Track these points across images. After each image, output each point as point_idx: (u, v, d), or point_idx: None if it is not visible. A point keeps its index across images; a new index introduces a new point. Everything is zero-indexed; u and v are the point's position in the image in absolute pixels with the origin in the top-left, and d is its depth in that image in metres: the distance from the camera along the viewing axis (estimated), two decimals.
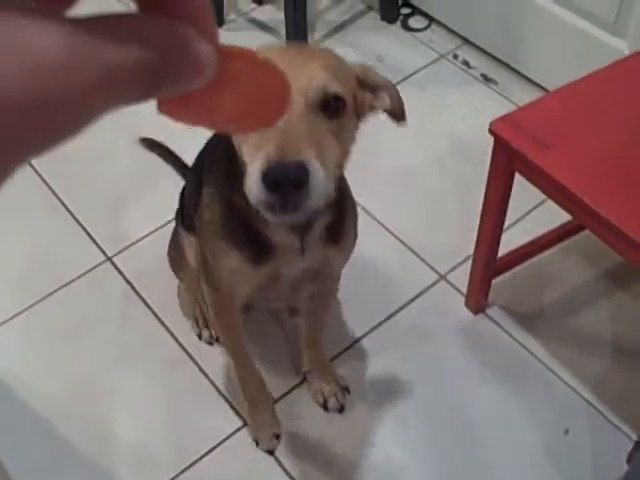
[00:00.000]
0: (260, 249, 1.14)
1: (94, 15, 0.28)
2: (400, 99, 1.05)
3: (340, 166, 0.97)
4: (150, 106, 0.33)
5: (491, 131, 1.33)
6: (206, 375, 1.65)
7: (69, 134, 0.27)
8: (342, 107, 0.93)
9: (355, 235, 1.29)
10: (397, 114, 1.06)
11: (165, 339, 1.71)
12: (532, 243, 1.69)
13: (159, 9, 0.30)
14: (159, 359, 1.67)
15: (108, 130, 2.06)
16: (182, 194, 1.54)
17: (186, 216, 1.47)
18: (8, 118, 0.25)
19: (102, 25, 0.27)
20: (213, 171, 1.18)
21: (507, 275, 1.72)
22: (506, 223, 1.54)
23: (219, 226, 1.16)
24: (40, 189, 2.00)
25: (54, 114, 0.26)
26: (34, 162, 2.04)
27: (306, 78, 0.90)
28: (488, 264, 1.59)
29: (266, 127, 0.39)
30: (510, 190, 1.42)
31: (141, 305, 1.77)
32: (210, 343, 1.71)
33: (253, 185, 0.85)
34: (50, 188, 2.00)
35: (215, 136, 1.25)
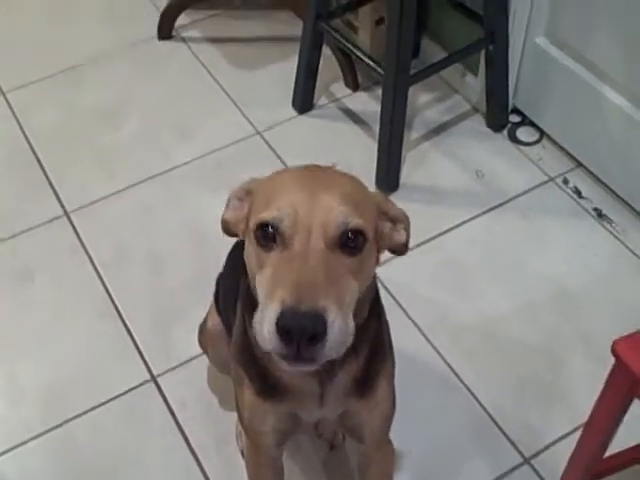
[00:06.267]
0: (270, 385, 1.04)
1: None
2: (410, 235, 0.99)
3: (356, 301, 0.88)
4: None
5: (614, 351, 1.08)
6: None
7: None
8: (363, 241, 0.87)
9: (392, 389, 1.14)
10: (402, 250, 1.00)
11: None
12: None
13: None
14: None
15: (176, 237, 1.91)
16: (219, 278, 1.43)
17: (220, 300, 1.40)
18: None
19: None
20: (240, 293, 1.08)
21: None
22: None
23: (238, 349, 1.09)
24: (95, 290, 1.84)
25: None
26: (97, 262, 1.90)
27: (324, 211, 0.85)
28: (587, 471, 1.34)
29: None
30: (624, 415, 1.17)
31: (181, 442, 1.58)
32: None
33: (265, 333, 0.79)
34: (107, 291, 1.84)
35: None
